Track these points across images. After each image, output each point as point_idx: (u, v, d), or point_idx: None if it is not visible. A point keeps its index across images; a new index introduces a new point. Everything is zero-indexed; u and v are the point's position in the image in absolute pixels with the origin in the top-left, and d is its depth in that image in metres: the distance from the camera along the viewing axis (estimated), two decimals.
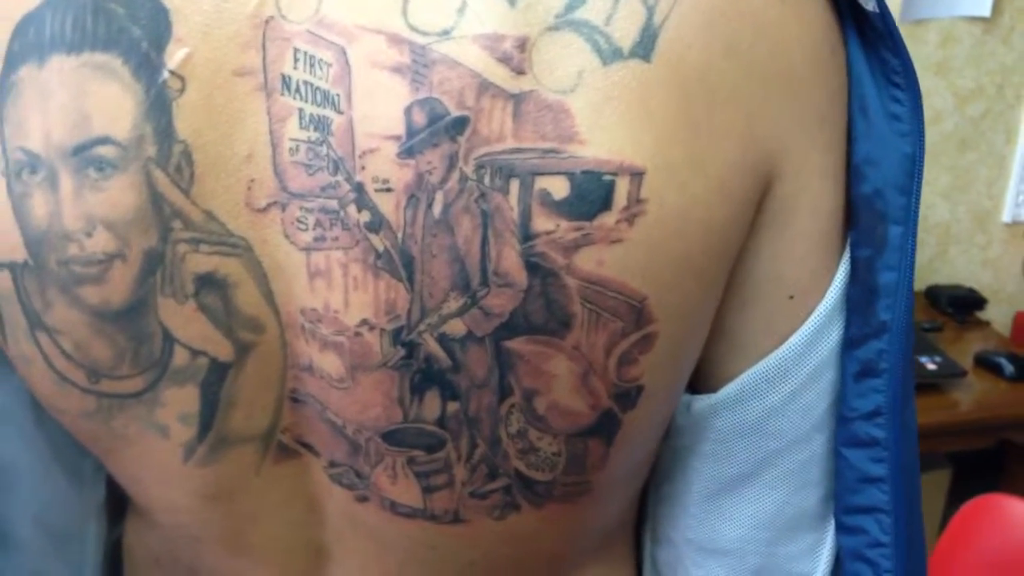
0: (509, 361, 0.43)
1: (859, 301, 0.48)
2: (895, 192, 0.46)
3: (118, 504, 0.62)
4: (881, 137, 0.46)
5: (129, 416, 0.48)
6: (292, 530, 0.53)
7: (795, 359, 0.48)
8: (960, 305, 2.28)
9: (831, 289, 0.48)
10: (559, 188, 0.40)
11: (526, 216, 0.40)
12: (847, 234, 0.48)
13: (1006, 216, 2.56)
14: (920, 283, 2.29)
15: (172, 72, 0.42)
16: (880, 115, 0.46)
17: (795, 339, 0.48)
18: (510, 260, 0.41)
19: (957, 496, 1.50)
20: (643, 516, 0.60)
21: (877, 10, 0.44)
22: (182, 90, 0.42)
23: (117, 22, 0.42)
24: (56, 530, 0.59)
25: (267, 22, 0.41)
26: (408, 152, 0.40)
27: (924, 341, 2.03)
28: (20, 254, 0.44)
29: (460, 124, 0.40)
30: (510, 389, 0.44)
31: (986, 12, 2.13)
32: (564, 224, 0.40)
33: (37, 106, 0.42)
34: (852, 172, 0.46)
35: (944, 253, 2.30)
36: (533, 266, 0.41)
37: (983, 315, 2.31)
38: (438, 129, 0.40)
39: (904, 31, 2.03)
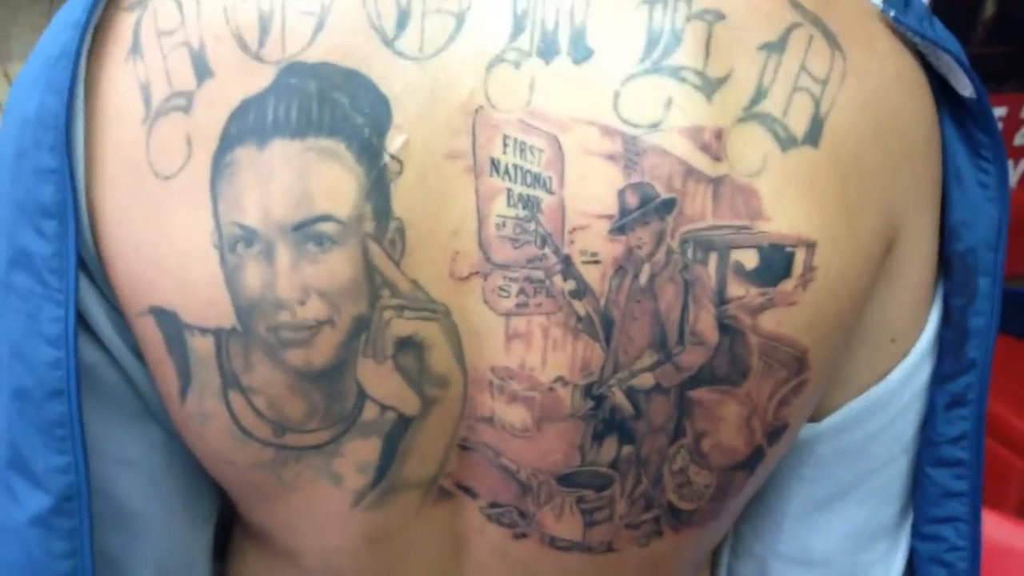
0: (688, 408, 0.48)
1: (952, 342, 0.55)
2: (985, 249, 0.54)
3: (220, 542, 0.64)
4: (973, 203, 0.54)
5: (304, 466, 0.51)
6: (434, 567, 0.56)
7: (893, 393, 0.56)
8: None
9: (925, 333, 0.56)
10: (750, 259, 0.46)
11: (722, 283, 0.46)
12: (939, 284, 0.56)
13: None
14: None
15: (392, 156, 0.45)
16: (972, 183, 0.54)
17: (895, 375, 0.55)
18: (706, 322, 0.46)
19: None
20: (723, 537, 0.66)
21: (975, 96, 0.52)
22: (400, 172, 0.45)
23: (341, 110, 0.45)
24: (170, 573, 0.60)
25: (477, 111, 0.46)
26: (620, 230, 0.45)
27: None
28: (228, 321, 0.47)
29: (670, 205, 0.45)
30: (683, 432, 0.49)
31: None
32: (753, 290, 0.46)
33: (256, 185, 0.45)
34: (948, 232, 0.54)
35: None
36: (724, 327, 0.47)
37: None
38: (649, 210, 0.45)
39: None
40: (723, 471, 0.51)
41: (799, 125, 0.46)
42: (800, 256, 0.46)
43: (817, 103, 0.47)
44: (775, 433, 0.51)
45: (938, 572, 0.59)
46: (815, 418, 0.57)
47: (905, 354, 0.56)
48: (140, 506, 0.57)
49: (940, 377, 0.56)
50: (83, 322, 0.51)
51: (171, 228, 0.47)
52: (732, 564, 0.66)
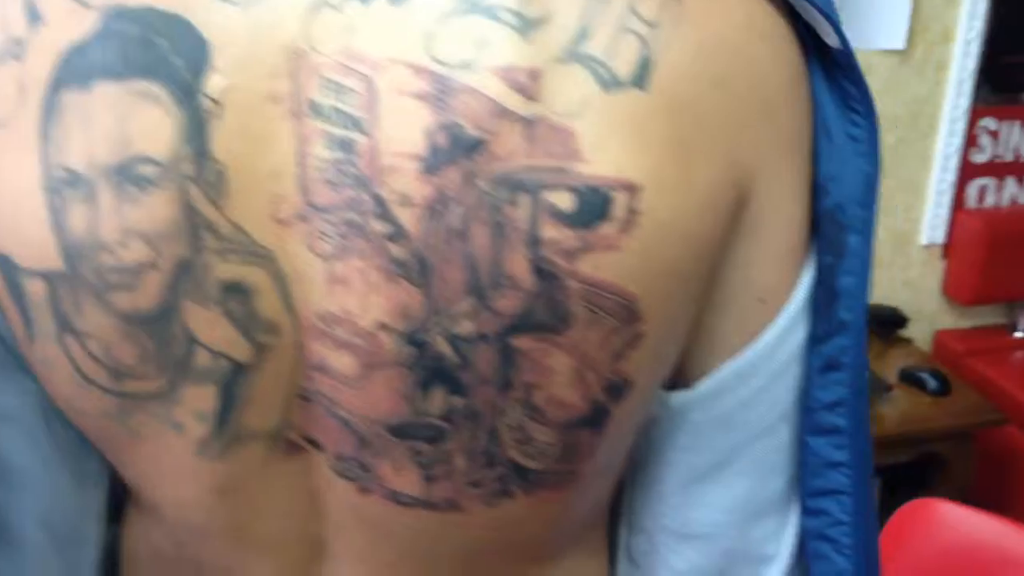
0: (513, 358, 0.47)
1: (822, 303, 0.53)
2: (855, 205, 0.52)
3: (115, 505, 0.65)
4: (842, 157, 0.52)
5: (147, 414, 0.51)
6: (293, 523, 0.56)
7: (765, 356, 0.54)
8: (883, 323, 2.38)
9: (797, 292, 0.53)
10: (564, 201, 0.45)
11: (535, 226, 0.45)
12: (811, 243, 0.53)
13: (923, 239, 2.69)
14: None
15: (210, 98, 0.45)
16: (841, 137, 0.52)
17: (765, 338, 0.53)
18: (519, 265, 0.45)
19: (886, 506, 1.58)
20: (619, 510, 0.65)
21: (840, 46, 0.50)
22: (218, 114, 0.46)
23: (161, 53, 0.45)
24: (59, 531, 0.61)
25: (298, 54, 0.46)
26: (430, 170, 0.45)
27: None
28: (56, 263, 0.47)
29: (478, 145, 0.44)
30: (512, 384, 0.48)
31: (900, 45, 2.25)
32: (568, 233, 0.45)
33: (80, 128, 0.46)
34: (817, 188, 0.52)
35: None
36: (539, 270, 0.45)
37: (905, 333, 2.41)
38: (458, 149, 0.44)
39: None
40: (564, 428, 0.50)
41: (624, 67, 0.45)
42: (621, 199, 0.45)
43: (646, 46, 0.45)
44: (615, 389, 0.49)
45: (823, 548, 0.57)
46: (687, 384, 0.56)
47: (776, 315, 0.53)
48: (18, 460, 0.58)
49: (814, 339, 0.54)
50: None
51: (5, 173, 0.48)
52: (628, 540, 0.64)
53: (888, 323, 2.40)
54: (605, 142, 0.45)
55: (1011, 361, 2.77)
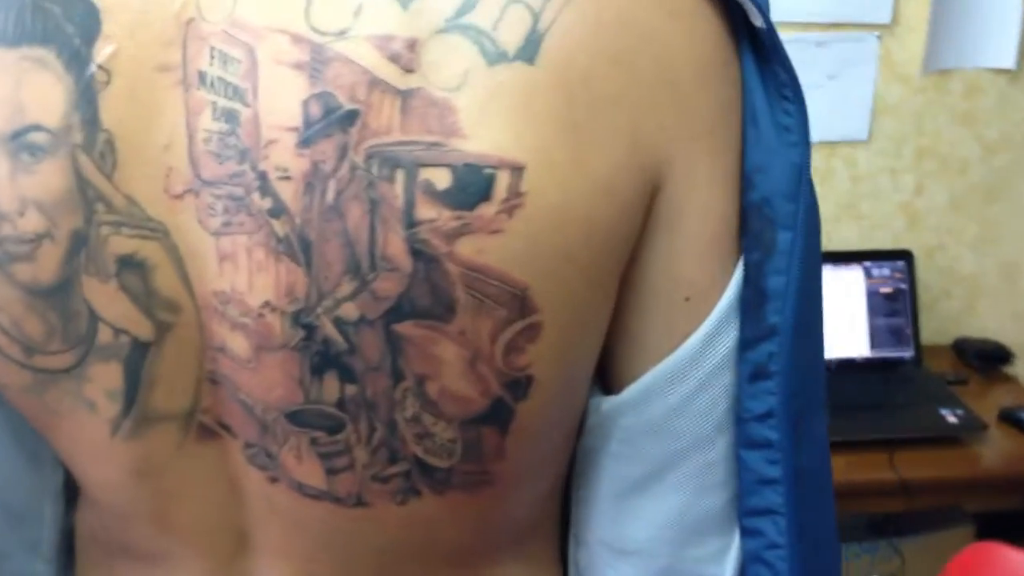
0: (399, 345, 0.45)
1: (750, 304, 0.49)
2: (783, 199, 0.48)
3: (76, 489, 0.65)
4: (770, 147, 0.48)
5: (61, 391, 0.51)
6: (215, 512, 0.55)
7: (692, 359, 0.50)
8: (987, 358, 2.25)
9: (727, 292, 0.50)
10: (442, 179, 0.42)
11: (410, 204, 0.43)
12: (740, 240, 0.50)
13: None
14: (947, 336, 2.26)
15: (99, 66, 0.45)
16: (770, 126, 0.48)
17: (692, 340, 0.50)
18: (395, 246, 0.43)
19: None
20: (567, 520, 0.61)
21: (764, 26, 0.46)
22: (108, 83, 0.45)
23: (53, 20, 0.45)
24: (13, 509, 0.62)
25: (188, 23, 0.45)
26: (305, 143, 0.43)
27: (947, 395, 2.01)
28: None
29: (351, 117, 0.43)
30: (402, 374, 0.46)
31: (1011, 63, 2.13)
32: (446, 213, 0.43)
33: None
34: (744, 180, 0.49)
35: (973, 306, 2.28)
36: (417, 252, 0.43)
37: (1010, 370, 2.27)
38: (331, 121, 0.43)
39: (928, 81, 2.04)
40: (464, 424, 0.48)
41: (511, 39, 0.43)
42: (503, 179, 0.43)
43: (536, 18, 0.43)
44: (516, 385, 0.47)
45: (760, 572, 0.53)
46: (616, 389, 0.53)
47: (705, 316, 0.50)
48: None
49: (742, 344, 0.50)
50: None
51: None
52: (575, 554, 0.61)
53: (991, 359, 2.26)
54: (487, 118, 0.42)
55: None
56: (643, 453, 0.53)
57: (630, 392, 0.52)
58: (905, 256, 2.06)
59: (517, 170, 0.43)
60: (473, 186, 0.42)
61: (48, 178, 0.46)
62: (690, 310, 0.50)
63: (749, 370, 0.50)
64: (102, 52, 0.45)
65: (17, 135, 0.46)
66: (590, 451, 0.55)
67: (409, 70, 0.42)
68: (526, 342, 0.46)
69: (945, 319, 2.27)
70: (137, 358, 0.49)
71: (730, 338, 0.50)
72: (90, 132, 0.46)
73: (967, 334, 2.29)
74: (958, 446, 1.94)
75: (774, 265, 0.49)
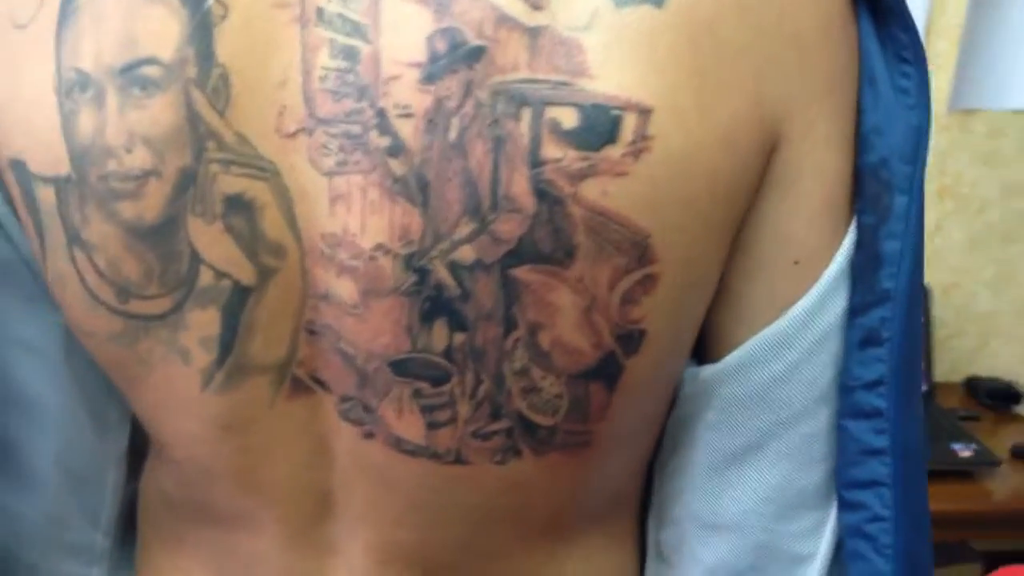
0: (515, 291, 0.44)
1: (863, 269, 0.49)
2: (900, 162, 0.48)
3: (138, 458, 0.64)
4: (889, 109, 0.48)
5: (154, 340, 0.50)
6: (300, 471, 0.54)
7: (800, 326, 0.49)
8: (998, 397, 2.25)
9: (837, 256, 0.49)
10: (568, 118, 0.42)
11: (536, 143, 0.42)
12: (853, 202, 0.49)
13: None
14: (960, 374, 2.26)
15: (216, 0, 0.44)
16: (888, 88, 0.48)
17: (800, 306, 0.49)
18: (519, 185, 0.43)
19: None
20: (648, 502, 0.60)
21: None
22: (224, 17, 0.45)
23: None
24: (76, 473, 0.60)
25: None
26: (428, 78, 0.42)
27: (959, 430, 2.00)
28: (64, 168, 0.47)
29: (478, 52, 0.42)
30: (515, 322, 0.45)
31: None
32: (572, 153, 0.42)
33: (91, 29, 0.45)
34: (860, 142, 0.48)
35: (986, 345, 2.28)
36: (541, 192, 0.43)
37: (1021, 410, 2.27)
38: (457, 56, 0.42)
39: (952, 120, 2.05)
40: (573, 379, 0.47)
41: None
42: (630, 121, 0.42)
43: None
44: (628, 338, 0.46)
45: (861, 547, 0.51)
46: (717, 355, 0.52)
47: (813, 281, 0.49)
48: (38, 392, 0.57)
49: (853, 309, 0.49)
50: None
51: (23, 76, 0.47)
52: (658, 535, 0.59)
53: (1003, 398, 2.26)
54: (614, 59, 0.42)
55: None
56: (743, 424, 0.52)
57: (732, 359, 0.51)
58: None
59: (644, 112, 0.42)
60: (600, 126, 0.42)
61: (159, 113, 0.45)
62: (798, 274, 0.49)
63: (859, 336, 0.49)
64: None
65: (128, 68, 0.45)
66: (684, 422, 0.54)
67: (537, 7, 0.42)
68: (642, 293, 0.45)
69: (958, 356, 2.26)
70: (237, 304, 0.48)
71: (839, 304, 0.50)
72: (204, 67, 0.45)
73: (980, 372, 2.29)
74: (970, 481, 1.93)
75: (889, 229, 0.48)
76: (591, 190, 0.42)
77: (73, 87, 0.46)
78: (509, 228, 0.43)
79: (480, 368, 0.47)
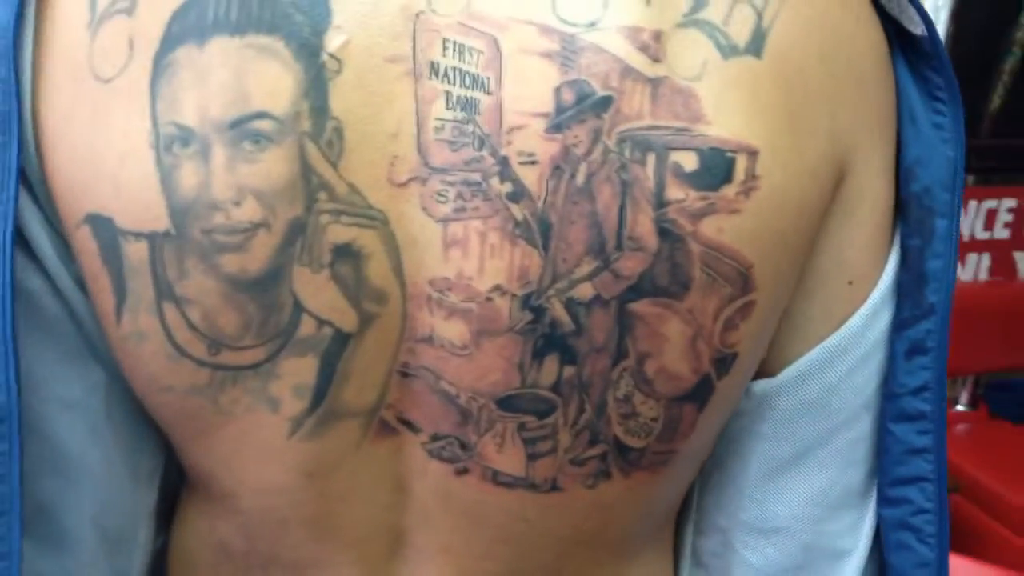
0: (630, 323, 0.47)
1: (910, 286, 0.54)
2: (941, 189, 0.53)
3: (165, 512, 0.62)
4: (928, 142, 0.53)
5: (241, 389, 0.49)
6: (376, 512, 0.54)
7: (853, 340, 0.54)
8: None
9: (884, 276, 0.54)
10: (689, 161, 0.45)
11: (660, 185, 0.45)
12: (896, 227, 0.55)
13: None
14: None
15: (331, 55, 0.45)
16: (927, 124, 0.53)
17: (854, 321, 0.54)
18: (644, 226, 0.46)
19: None
20: (685, 513, 0.64)
21: (926, 34, 0.52)
22: (339, 72, 0.45)
23: (281, 8, 0.45)
24: (110, 532, 0.58)
25: (418, 15, 0.46)
26: (556, 128, 0.45)
27: None
28: (163, 224, 0.46)
29: (606, 102, 0.45)
30: (626, 352, 0.48)
31: None
32: (692, 194, 0.45)
33: (194, 84, 0.45)
34: (904, 172, 0.54)
35: None
36: (664, 231, 0.46)
37: None
38: (585, 107, 0.45)
39: None
40: (670, 402, 0.50)
41: (740, 34, 0.46)
42: (742, 162, 0.46)
43: (759, 15, 0.47)
44: (723, 361, 0.49)
45: (905, 538, 0.57)
46: (772, 371, 0.56)
47: (864, 298, 0.54)
48: (79, 451, 0.55)
49: (899, 324, 0.55)
50: (24, 243, 0.51)
51: (110, 130, 0.47)
52: (696, 542, 0.63)
53: None
54: (725, 105, 0.46)
55: (954, 433, 2.83)
56: (794, 432, 0.56)
57: (788, 373, 0.55)
58: None
59: (753, 154, 0.46)
60: (717, 168, 0.45)
61: (271, 166, 0.46)
62: (851, 293, 0.54)
63: (906, 347, 0.55)
64: (333, 42, 0.45)
65: (239, 122, 0.45)
66: (737, 434, 0.58)
67: (656, 59, 0.45)
68: (741, 319, 0.48)
69: None
70: (336, 351, 0.49)
71: (886, 318, 0.55)
72: (319, 120, 0.46)
73: None
74: None
75: (934, 250, 0.53)
76: (709, 227, 0.46)
77: (173, 142, 0.46)
78: (632, 265, 0.46)
79: (585, 398, 0.49)
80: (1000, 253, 2.96)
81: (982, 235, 2.91)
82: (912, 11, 0.51)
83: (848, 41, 0.50)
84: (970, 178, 2.83)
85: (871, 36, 0.51)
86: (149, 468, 0.60)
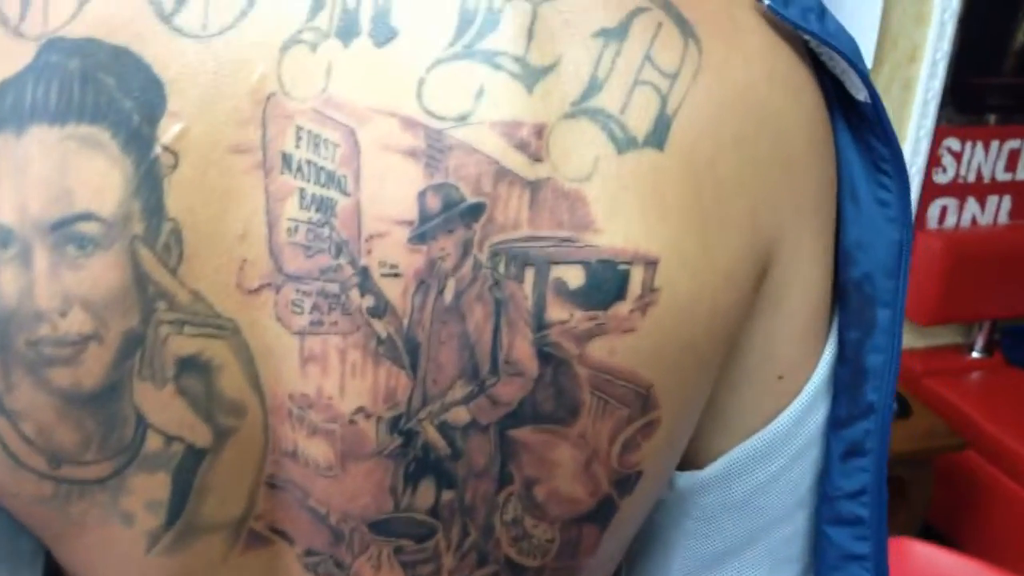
0: (512, 450, 0.42)
1: (848, 382, 0.48)
2: (883, 276, 0.47)
3: None
4: (871, 222, 0.47)
5: (89, 503, 0.45)
6: None
7: (783, 438, 0.49)
8: None
9: (818, 369, 0.49)
10: (574, 277, 0.39)
11: (540, 305, 0.39)
12: (833, 316, 0.49)
13: None
14: None
15: (165, 147, 0.39)
16: (870, 201, 0.47)
17: (783, 418, 0.49)
18: (522, 349, 0.40)
19: None
20: None
21: (869, 100, 0.45)
22: (174, 166, 0.40)
23: (107, 93, 0.39)
24: None
25: (268, 98, 0.40)
26: (420, 238, 0.39)
27: None
28: None
29: (476, 210, 0.39)
30: (511, 478, 0.43)
31: (867, 63, 2.22)
32: (578, 314, 0.40)
33: (12, 178, 0.40)
34: (842, 256, 0.47)
35: None
36: (545, 355, 0.40)
37: None
38: (453, 215, 0.39)
39: None
40: (566, 524, 0.45)
41: (640, 124, 0.40)
42: (637, 275, 0.40)
43: (664, 100, 0.40)
44: (624, 482, 0.44)
45: None
46: (697, 464, 0.51)
47: (795, 394, 0.49)
48: None
49: (836, 422, 0.49)
50: None
51: None
52: None
53: None
54: (620, 209, 0.39)
55: (969, 381, 2.78)
56: (722, 530, 0.51)
57: (713, 469, 0.50)
58: None
59: (651, 264, 0.40)
60: (607, 283, 0.39)
61: (99, 273, 0.40)
62: (782, 388, 0.48)
63: (842, 448, 0.49)
64: (168, 131, 0.39)
65: (61, 224, 0.40)
66: (659, 529, 0.53)
67: (536, 159, 0.39)
68: (642, 439, 0.43)
69: None
70: (189, 466, 0.44)
71: (820, 415, 0.49)
72: (153, 222, 0.40)
73: None
74: None
75: (874, 343, 0.48)
76: (598, 350, 0.40)
77: None
78: (510, 391, 0.41)
79: (468, 522, 0.44)
80: (1022, 195, 2.86)
81: (1003, 176, 2.81)
82: (854, 75, 0.44)
83: (774, 119, 0.43)
84: (992, 117, 2.72)
85: (802, 108, 0.44)
86: (28, 550, 0.56)
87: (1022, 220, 2.88)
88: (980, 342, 2.88)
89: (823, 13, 0.45)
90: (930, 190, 2.73)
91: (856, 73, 0.44)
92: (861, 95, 0.45)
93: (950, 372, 2.78)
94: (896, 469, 2.28)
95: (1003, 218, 2.85)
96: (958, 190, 2.77)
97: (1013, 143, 2.77)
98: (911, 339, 2.89)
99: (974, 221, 2.82)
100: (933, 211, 2.76)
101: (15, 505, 0.47)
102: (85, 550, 0.47)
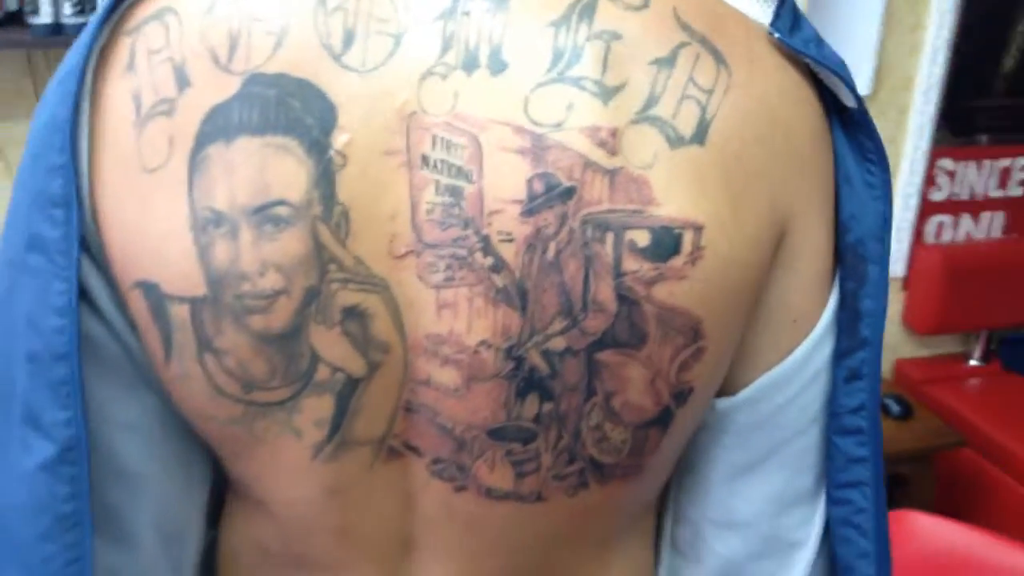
0: (596, 369, 0.56)
1: (847, 322, 0.62)
2: (872, 240, 0.61)
3: (214, 511, 0.72)
4: (861, 200, 0.61)
5: (271, 420, 0.59)
6: (388, 522, 0.64)
7: (797, 368, 0.63)
8: None
9: (824, 314, 0.63)
10: (642, 238, 0.53)
11: (618, 259, 0.54)
12: (835, 272, 0.63)
13: None
14: None
15: (337, 151, 0.54)
16: (860, 183, 0.61)
17: (798, 353, 0.62)
18: (604, 292, 0.54)
19: None
20: (664, 504, 0.73)
21: (856, 106, 0.60)
22: (344, 165, 0.54)
23: (295, 113, 0.54)
24: (167, 531, 0.68)
25: (411, 115, 0.54)
26: (528, 212, 0.53)
27: None
28: (201, 290, 0.55)
29: (570, 192, 0.53)
30: (595, 391, 0.57)
31: (865, 90, 2.36)
32: (646, 265, 0.54)
33: (223, 175, 0.54)
34: (840, 226, 0.61)
35: None
36: (621, 297, 0.54)
37: None
38: (553, 195, 0.53)
39: None
40: (636, 428, 0.58)
41: (687, 127, 0.54)
42: (688, 237, 0.54)
43: (703, 109, 0.54)
44: (680, 395, 0.58)
45: (849, 533, 0.66)
46: (731, 392, 0.65)
47: (807, 334, 0.62)
48: (139, 466, 0.65)
49: (838, 353, 0.63)
50: (87, 298, 0.60)
51: (155, 213, 0.55)
52: (673, 531, 0.72)
53: None
54: (674, 189, 0.54)
55: (967, 388, 2.91)
56: (751, 443, 0.65)
57: (744, 395, 0.64)
58: None
59: (698, 229, 0.54)
60: (666, 243, 0.54)
61: (288, 244, 0.54)
62: (796, 329, 0.62)
63: (845, 373, 0.63)
64: (339, 140, 0.54)
65: (261, 209, 0.54)
66: (704, 443, 0.67)
67: (613, 153, 0.53)
68: (693, 362, 0.57)
69: None
70: (348, 392, 0.58)
71: (827, 349, 0.63)
72: (328, 206, 0.54)
73: None
74: None
75: (866, 292, 0.62)
76: (661, 292, 0.54)
77: (207, 223, 0.54)
78: (596, 324, 0.55)
79: (562, 427, 0.58)
80: (1013, 210, 3.01)
81: (995, 193, 2.96)
82: (844, 89, 0.59)
83: (783, 123, 0.57)
84: (984, 138, 2.88)
85: (806, 114, 0.59)
86: (200, 476, 0.69)
87: (1015, 234, 3.03)
88: (978, 351, 3.02)
89: (820, 42, 0.59)
90: (927, 208, 2.89)
91: (846, 87, 0.59)
92: (850, 102, 0.60)
93: (950, 379, 2.93)
94: (900, 467, 2.41)
95: (996, 232, 3.00)
96: (953, 207, 2.93)
97: (1004, 162, 2.93)
98: (913, 348, 3.02)
99: (969, 236, 2.97)
100: (930, 227, 2.92)
101: (210, 427, 0.61)
102: (261, 461, 0.61)
